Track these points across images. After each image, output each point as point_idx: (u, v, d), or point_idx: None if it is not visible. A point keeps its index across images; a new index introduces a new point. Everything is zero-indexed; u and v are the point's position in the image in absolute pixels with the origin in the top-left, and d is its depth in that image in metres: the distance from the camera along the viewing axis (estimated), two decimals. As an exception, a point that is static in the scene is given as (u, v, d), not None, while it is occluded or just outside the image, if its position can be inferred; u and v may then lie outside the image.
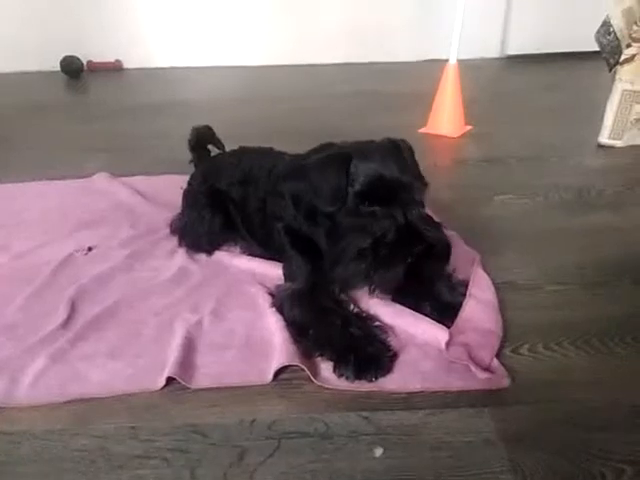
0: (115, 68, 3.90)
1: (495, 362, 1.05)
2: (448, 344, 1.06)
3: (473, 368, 1.01)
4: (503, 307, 1.22)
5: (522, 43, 4.05)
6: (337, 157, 1.13)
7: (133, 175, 2.02)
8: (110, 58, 3.88)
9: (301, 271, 1.26)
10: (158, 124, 2.71)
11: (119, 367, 1.08)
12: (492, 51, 4.11)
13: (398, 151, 1.16)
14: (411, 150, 1.22)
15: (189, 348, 1.10)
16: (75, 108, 3.16)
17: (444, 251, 1.09)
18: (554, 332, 1.16)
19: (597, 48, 2.26)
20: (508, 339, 1.13)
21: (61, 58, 3.70)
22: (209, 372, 1.05)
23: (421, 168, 1.22)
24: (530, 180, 1.97)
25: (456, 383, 1.01)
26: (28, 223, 1.70)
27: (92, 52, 3.83)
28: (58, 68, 3.72)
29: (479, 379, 1.00)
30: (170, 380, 1.03)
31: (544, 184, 1.92)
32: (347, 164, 1.11)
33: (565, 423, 0.94)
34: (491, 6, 3.92)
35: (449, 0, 3.37)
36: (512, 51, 4.09)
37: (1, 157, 2.30)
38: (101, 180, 1.97)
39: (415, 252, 1.04)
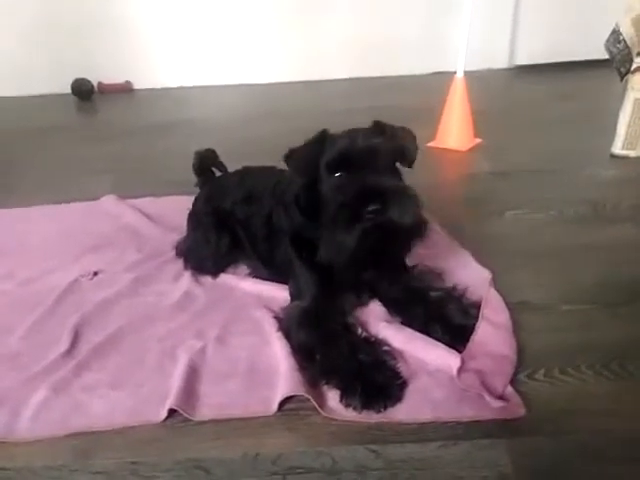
0: (125, 89, 3.94)
1: (509, 390, 1.00)
2: (460, 371, 1.02)
3: (486, 396, 0.97)
4: (517, 329, 1.17)
5: (530, 53, 4.01)
6: (315, 135, 1.18)
7: (141, 197, 2.02)
8: (120, 79, 3.92)
9: (308, 286, 1.24)
10: (167, 144, 2.71)
11: (121, 398, 1.05)
12: (500, 62, 4.08)
13: (376, 127, 1.18)
14: (412, 135, 1.23)
15: (192, 377, 1.08)
16: (85, 130, 3.19)
17: (411, 222, 1.05)
18: (571, 356, 1.11)
19: (607, 56, 2.22)
20: (523, 363, 1.08)
21: (72, 80, 3.75)
22: (212, 402, 1.02)
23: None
24: (543, 194, 1.92)
25: (469, 412, 0.97)
26: (34, 248, 1.69)
27: (102, 74, 3.88)
28: (69, 90, 3.77)
29: (493, 408, 0.96)
30: (172, 412, 1.00)
31: (557, 198, 1.87)
32: (322, 139, 1.16)
33: (583, 456, 0.89)
34: (498, 16, 3.90)
35: (455, 12, 3.36)
36: (521, 61, 4.05)
37: (9, 181, 2.32)
38: (108, 202, 1.96)
39: (371, 213, 1.02)
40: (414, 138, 1.23)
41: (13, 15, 3.71)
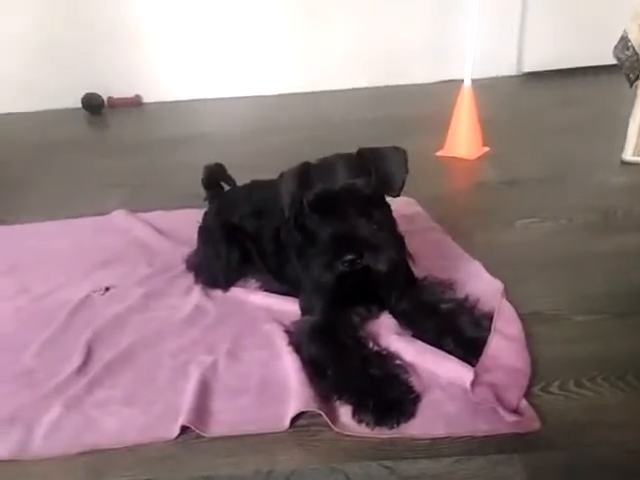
0: (135, 103, 3.99)
1: (524, 403, 0.99)
2: (473, 384, 1.01)
3: (501, 410, 0.96)
4: (530, 341, 1.16)
5: (538, 60, 4.00)
6: (297, 167, 1.20)
7: (151, 210, 2.03)
8: (130, 93, 3.97)
9: (318, 300, 1.23)
10: (176, 157, 2.74)
11: (133, 414, 1.06)
12: (507, 69, 4.08)
13: (360, 158, 1.17)
14: (403, 156, 1.19)
15: (204, 393, 1.08)
16: (96, 144, 3.23)
17: (387, 269, 1.09)
18: (586, 367, 1.10)
19: (615, 62, 2.21)
20: (537, 376, 1.07)
21: (82, 95, 3.80)
22: (224, 419, 1.02)
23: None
24: (553, 202, 1.91)
25: (483, 427, 0.96)
26: (45, 264, 1.71)
27: (112, 88, 3.93)
28: (79, 105, 3.83)
29: (507, 422, 0.95)
30: (185, 428, 1.00)
31: (567, 206, 1.86)
32: (304, 173, 1.17)
33: (600, 470, 0.88)
34: (505, 23, 3.90)
35: (461, 20, 3.37)
36: (528, 68, 4.04)
37: (20, 197, 2.35)
38: (119, 217, 1.98)
39: (347, 262, 1.07)
40: (404, 160, 1.19)
41: (23, 31, 3.77)
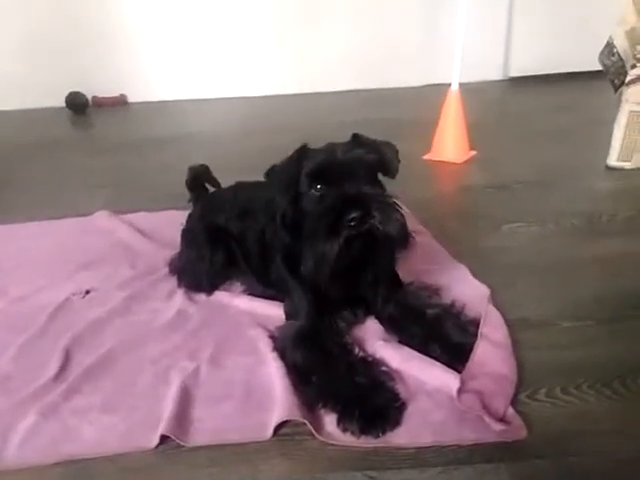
0: (120, 103, 3.94)
1: (510, 411, 0.98)
2: (460, 391, 0.99)
3: (487, 419, 0.94)
4: (516, 347, 1.15)
5: (524, 64, 4.04)
6: (295, 151, 1.16)
7: (136, 211, 2.00)
8: (115, 93, 3.92)
9: (303, 304, 1.22)
10: (162, 158, 2.70)
11: (112, 422, 1.02)
12: (494, 73, 4.11)
13: (355, 140, 1.17)
14: (395, 148, 1.21)
15: (185, 400, 1.05)
16: (80, 144, 3.18)
17: (395, 231, 1.03)
18: (572, 374, 1.09)
19: (601, 68, 2.22)
20: (523, 383, 1.06)
21: (66, 94, 3.74)
22: (206, 427, 0.99)
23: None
24: (539, 206, 1.91)
25: (469, 436, 0.94)
26: (26, 265, 1.67)
27: (97, 87, 3.88)
28: (64, 104, 3.76)
29: (494, 431, 0.93)
30: (165, 437, 0.97)
31: (554, 210, 1.87)
32: (301, 154, 1.14)
33: (588, 479, 0.87)
34: (492, 28, 3.93)
35: (449, 24, 3.38)
36: (514, 73, 4.08)
37: (4, 197, 2.30)
38: (101, 218, 1.94)
39: (352, 221, 0.99)
40: (396, 152, 1.21)
41: (7, 29, 3.70)
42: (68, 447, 0.98)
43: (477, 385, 1.01)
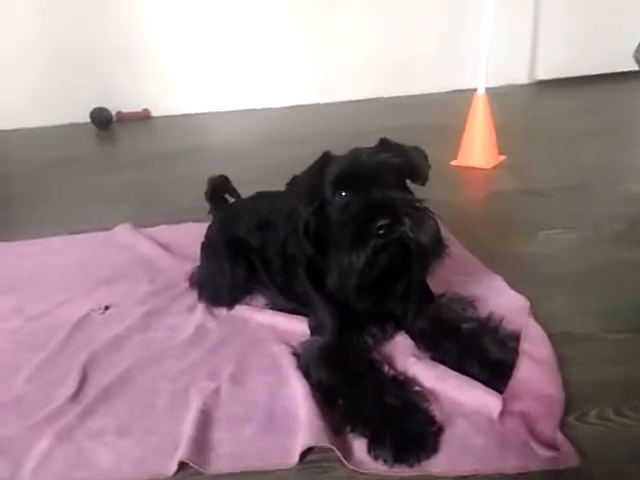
0: (143, 117, 3.96)
1: (559, 436, 0.88)
2: (502, 414, 0.91)
3: (533, 444, 0.86)
4: (560, 363, 1.06)
5: (551, 67, 3.93)
6: (318, 158, 1.11)
7: (156, 225, 1.96)
8: (138, 108, 3.94)
9: (327, 319, 1.15)
10: (186, 171, 2.68)
11: (128, 446, 0.97)
12: (521, 77, 4.00)
13: (383, 145, 1.11)
14: (424, 153, 1.16)
15: (204, 423, 0.99)
16: (104, 159, 3.19)
17: (428, 240, 0.95)
18: (625, 393, 0.99)
19: (632, 68, 2.12)
20: (571, 404, 0.97)
21: (91, 110, 3.78)
22: (226, 453, 0.93)
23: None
24: (576, 211, 1.81)
25: (514, 463, 0.85)
26: (45, 282, 1.64)
27: (121, 102, 3.91)
28: (88, 120, 3.80)
29: (541, 458, 0.85)
30: (183, 464, 0.91)
31: (592, 215, 1.76)
32: (324, 161, 1.09)
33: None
34: (518, 31, 3.83)
35: (473, 28, 3.31)
36: (542, 76, 3.96)
37: (27, 212, 2.30)
38: (122, 232, 1.91)
39: (382, 229, 0.92)
40: (426, 157, 1.15)
41: (31, 45, 3.77)
42: (82, 474, 0.93)
43: (521, 406, 0.92)
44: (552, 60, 3.90)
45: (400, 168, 1.06)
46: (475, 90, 2.37)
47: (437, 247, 0.97)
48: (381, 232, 0.92)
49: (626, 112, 2.96)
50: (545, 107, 3.43)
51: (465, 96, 2.52)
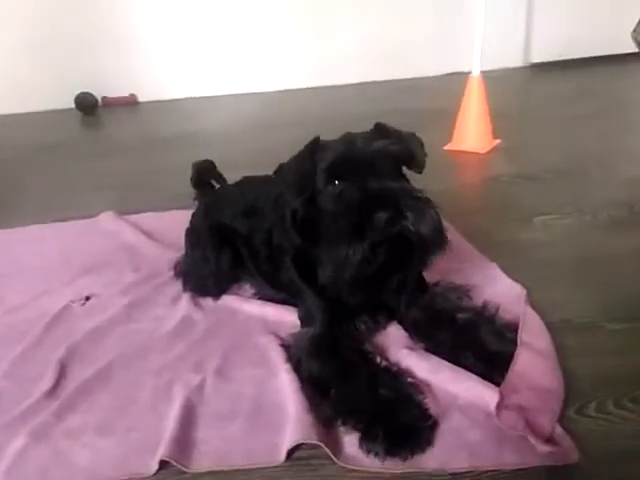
0: (130, 102, 3.87)
1: (559, 430, 0.85)
2: (499, 407, 0.87)
3: (532, 439, 0.82)
4: (559, 354, 1.02)
5: (546, 50, 3.87)
6: (307, 144, 1.05)
7: (142, 212, 1.90)
8: (124, 93, 3.85)
9: (317, 310, 1.10)
10: (173, 157, 2.60)
11: (108, 446, 0.92)
12: (516, 60, 3.94)
13: (378, 130, 1.05)
14: (420, 140, 1.10)
15: (188, 419, 0.94)
16: (89, 145, 3.10)
17: (430, 232, 0.90)
18: (625, 384, 0.96)
19: (628, 50, 2.07)
20: (570, 396, 0.93)
21: (75, 95, 3.68)
22: (211, 450, 0.88)
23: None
24: (573, 196, 1.77)
25: (511, 459, 0.82)
26: (26, 271, 1.58)
27: (106, 87, 3.81)
28: (73, 105, 3.70)
29: (540, 453, 0.81)
30: (165, 462, 0.86)
31: (590, 200, 1.72)
32: (314, 148, 1.03)
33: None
34: (512, 14, 3.77)
35: (467, 10, 3.24)
36: (537, 58, 3.90)
37: (11, 199, 2.23)
38: (106, 220, 1.85)
39: (380, 227, 0.87)
40: (422, 144, 1.09)
41: (15, 31, 3.65)
42: (58, 474, 0.88)
43: (519, 400, 0.88)
44: (547, 42, 3.83)
45: (397, 155, 1.00)
46: (468, 74, 2.31)
47: (439, 239, 0.93)
48: (380, 226, 0.87)
49: (621, 94, 2.90)
50: (540, 90, 3.37)
51: (460, 79, 2.46)
